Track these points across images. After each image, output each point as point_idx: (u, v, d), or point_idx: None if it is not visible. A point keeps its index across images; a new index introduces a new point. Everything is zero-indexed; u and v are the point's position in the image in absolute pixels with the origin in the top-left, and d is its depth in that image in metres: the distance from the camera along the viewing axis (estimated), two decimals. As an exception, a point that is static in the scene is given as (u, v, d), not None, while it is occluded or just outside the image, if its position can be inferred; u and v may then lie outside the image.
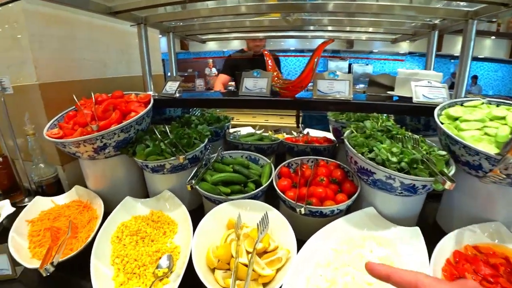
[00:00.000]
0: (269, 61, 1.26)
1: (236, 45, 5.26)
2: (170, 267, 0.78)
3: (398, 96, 1.13)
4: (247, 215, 0.87)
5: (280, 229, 0.83)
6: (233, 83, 2.62)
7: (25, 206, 1.17)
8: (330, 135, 1.41)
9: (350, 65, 5.78)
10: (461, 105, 0.93)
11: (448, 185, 0.71)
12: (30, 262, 0.83)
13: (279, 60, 2.54)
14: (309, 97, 1.09)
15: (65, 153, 1.09)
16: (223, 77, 2.47)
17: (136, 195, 1.16)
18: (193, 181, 0.96)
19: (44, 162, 1.17)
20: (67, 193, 1.15)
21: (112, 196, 1.09)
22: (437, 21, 1.13)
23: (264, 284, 0.72)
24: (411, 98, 1.04)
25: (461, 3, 0.92)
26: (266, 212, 0.83)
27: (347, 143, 0.91)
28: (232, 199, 0.91)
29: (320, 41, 1.08)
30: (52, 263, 0.75)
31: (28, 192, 1.32)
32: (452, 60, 5.61)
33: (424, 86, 1.00)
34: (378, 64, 5.64)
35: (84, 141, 0.95)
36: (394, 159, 0.80)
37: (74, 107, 1.19)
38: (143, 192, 1.20)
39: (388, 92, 1.17)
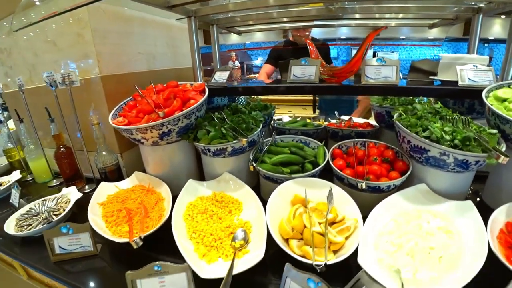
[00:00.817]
0: (313, 50, 1.33)
1: (258, 36, 5.34)
2: (246, 239, 0.88)
3: (441, 81, 1.20)
4: (310, 192, 0.97)
5: (343, 203, 0.93)
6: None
7: (87, 192, 1.31)
8: (371, 121, 1.50)
9: (374, 52, 5.77)
10: (509, 87, 1.00)
11: (502, 159, 0.79)
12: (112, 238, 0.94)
13: (329, 48, 2.52)
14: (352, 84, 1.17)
15: (127, 140, 1.21)
16: (268, 67, 2.52)
17: (193, 178, 1.28)
18: (254, 163, 1.07)
19: (107, 150, 1.28)
20: (128, 178, 1.27)
21: (171, 180, 1.20)
22: (482, 4, 1.19)
23: (335, 252, 0.82)
24: (455, 82, 1.12)
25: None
26: (331, 187, 0.93)
27: (399, 124, 0.99)
28: (295, 177, 1.01)
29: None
30: (140, 237, 0.86)
31: (87, 180, 1.45)
32: (486, 44, 5.44)
33: (469, 69, 1.07)
34: (404, 51, 5.60)
35: (152, 127, 1.05)
36: (448, 137, 0.88)
37: (131, 97, 1.30)
38: (199, 176, 1.31)
39: (430, 77, 1.24)
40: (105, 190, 1.19)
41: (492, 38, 4.96)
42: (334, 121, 1.61)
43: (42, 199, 1.23)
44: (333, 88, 1.20)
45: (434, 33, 4.94)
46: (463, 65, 1.08)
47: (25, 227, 1.05)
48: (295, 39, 2.32)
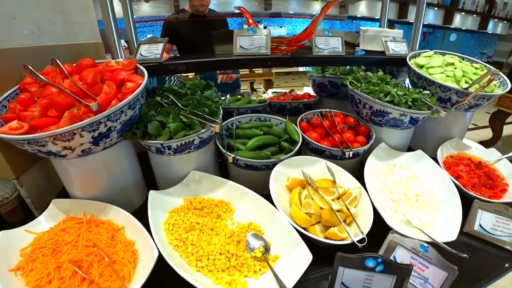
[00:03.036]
0: (249, 19, 1.25)
1: (146, 10, 4.31)
2: (265, 244, 0.76)
3: (365, 51, 1.39)
4: (299, 171, 0.94)
5: (338, 175, 0.95)
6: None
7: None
8: (306, 90, 1.58)
9: (265, 27, 6.01)
10: (419, 55, 1.27)
11: (442, 113, 1.02)
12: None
13: (227, 21, 2.26)
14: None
15: (24, 157, 0.80)
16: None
17: (142, 190, 0.99)
18: (232, 152, 0.92)
19: None
20: (44, 214, 0.84)
21: (115, 199, 0.88)
22: None
23: (349, 223, 0.85)
24: (377, 51, 1.33)
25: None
26: (325, 163, 0.93)
27: (358, 91, 1.09)
28: (282, 159, 0.94)
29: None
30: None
31: None
32: (354, 21, 6.59)
33: (391, 41, 1.29)
34: (290, 26, 6.07)
35: (83, 128, 0.71)
36: (403, 100, 1.05)
37: (15, 88, 0.84)
38: (148, 185, 1.03)
39: (356, 48, 1.42)
40: (12, 243, 0.74)
41: (359, 16, 6.22)
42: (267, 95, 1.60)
43: None
44: (286, 59, 1.17)
45: (316, 9, 5.74)
46: (386, 37, 1.29)
47: None
48: (196, 9, 2.04)
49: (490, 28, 8.60)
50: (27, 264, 0.71)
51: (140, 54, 1.10)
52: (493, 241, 0.86)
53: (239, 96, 1.44)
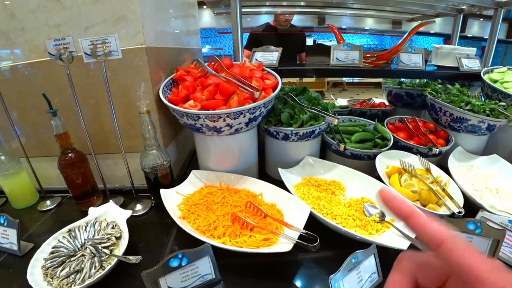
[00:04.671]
0: (338, 34, 1.53)
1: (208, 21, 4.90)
2: (380, 211, 0.99)
3: (436, 66, 1.64)
4: (393, 162, 1.18)
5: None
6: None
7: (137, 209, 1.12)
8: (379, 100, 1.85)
9: (314, 41, 6.48)
10: (492, 71, 1.50)
11: (517, 122, 1.24)
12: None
13: (305, 36, 2.63)
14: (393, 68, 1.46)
15: (170, 131, 1.10)
16: (247, 53, 2.49)
17: (257, 170, 1.26)
18: (343, 144, 1.19)
19: (157, 147, 1.07)
20: (186, 181, 1.12)
21: (241, 173, 1.15)
22: (464, 6, 1.69)
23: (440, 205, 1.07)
24: (450, 67, 1.57)
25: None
26: (418, 155, 1.17)
27: (439, 101, 1.34)
28: (382, 151, 1.19)
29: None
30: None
31: (113, 193, 1.19)
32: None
33: (465, 58, 1.53)
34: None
35: (248, 110, 1.00)
36: (482, 109, 1.28)
37: (170, 78, 1.17)
38: (262, 165, 1.30)
39: (427, 63, 1.67)
40: (170, 199, 1.02)
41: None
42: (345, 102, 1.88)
43: (67, 229, 0.93)
44: (375, 71, 1.44)
45: (369, 24, 6.15)
46: (460, 54, 1.54)
47: (69, 276, 0.77)
48: (279, 23, 2.42)
49: None
50: (189, 215, 0.96)
51: (256, 59, 1.40)
52: None
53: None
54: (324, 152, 1.34)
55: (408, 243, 0.84)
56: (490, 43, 1.62)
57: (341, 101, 2.05)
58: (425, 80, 1.64)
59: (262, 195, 1.06)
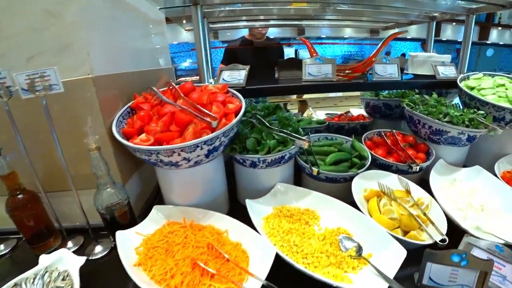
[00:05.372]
0: (311, 47, 1.45)
1: (185, 36, 4.82)
2: (357, 244, 0.90)
3: (413, 74, 1.57)
4: (371, 183, 1.09)
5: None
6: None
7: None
8: (357, 112, 1.76)
9: (296, 51, 6.46)
10: (468, 78, 1.43)
11: (499, 131, 1.17)
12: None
13: (282, 49, 2.59)
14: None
15: (128, 167, 1.01)
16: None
17: (227, 199, 1.18)
18: (316, 167, 1.09)
19: (112, 184, 0.97)
20: (147, 219, 1.01)
21: (209, 206, 1.05)
22: (436, 14, 1.63)
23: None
24: (426, 75, 1.50)
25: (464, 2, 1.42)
26: (397, 175, 1.08)
27: (417, 113, 1.26)
28: (359, 173, 1.10)
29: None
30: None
31: (70, 233, 1.07)
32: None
33: (440, 65, 1.46)
34: (320, 49, 6.51)
35: (205, 142, 0.90)
36: (461, 120, 1.20)
37: (127, 107, 1.06)
38: (232, 194, 1.20)
39: (405, 71, 1.60)
40: (127, 242, 0.91)
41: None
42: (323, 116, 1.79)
43: (13, 284, 0.81)
44: (350, 85, 1.35)
45: (348, 33, 6.19)
46: (435, 62, 1.47)
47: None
48: (255, 37, 2.36)
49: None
50: (146, 261, 0.86)
51: (223, 79, 1.31)
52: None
53: (299, 117, 1.63)
54: (301, 175, 1.24)
55: (386, 285, 0.75)
56: (464, 49, 1.56)
57: (321, 114, 1.97)
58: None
59: (228, 232, 0.96)
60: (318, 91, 1.36)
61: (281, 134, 1.06)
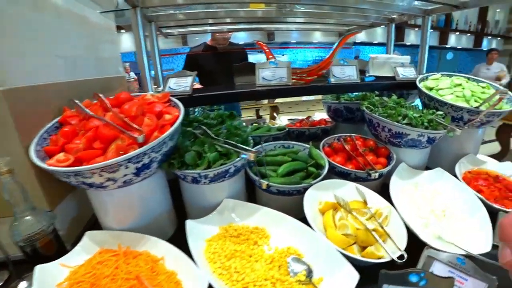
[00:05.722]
0: (268, 53, 1.36)
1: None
2: (307, 267, 0.79)
3: (374, 76, 1.50)
4: (333, 193, 0.99)
5: (366, 195, 1.00)
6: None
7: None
8: (320, 116, 1.67)
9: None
10: (427, 79, 1.37)
11: (458, 132, 1.10)
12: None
13: (246, 53, 2.47)
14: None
15: (58, 189, 0.90)
16: None
17: (173, 219, 1.05)
18: (264, 179, 0.99)
19: (32, 211, 0.83)
20: (78, 247, 0.87)
21: (150, 229, 0.92)
22: (394, 16, 1.58)
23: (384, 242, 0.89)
24: (387, 77, 1.43)
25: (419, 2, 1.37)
26: (355, 185, 0.99)
27: (377, 116, 1.18)
28: (313, 184, 1.00)
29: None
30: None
31: None
32: (353, 46, 6.99)
33: (400, 67, 1.40)
34: (292, 54, 6.48)
35: (129, 160, 0.78)
36: (420, 121, 1.12)
37: (55, 122, 0.92)
38: (177, 214, 1.08)
39: (367, 74, 1.53)
40: (48, 278, 0.76)
41: (359, 41, 6.67)
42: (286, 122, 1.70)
43: None
44: (306, 89, 1.26)
45: (317, 38, 6.15)
46: (395, 63, 1.40)
47: None
48: (217, 42, 2.24)
49: (484, 45, 8.99)
50: None
51: (169, 87, 1.19)
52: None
53: (256, 124, 1.52)
54: (255, 188, 1.13)
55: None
56: (422, 50, 1.51)
57: (285, 120, 1.88)
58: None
59: (164, 260, 0.84)
60: (273, 96, 1.27)
61: (226, 145, 0.95)
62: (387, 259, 0.79)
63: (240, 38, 4.88)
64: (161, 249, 0.85)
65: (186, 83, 1.18)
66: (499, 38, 9.32)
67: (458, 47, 8.82)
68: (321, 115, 1.87)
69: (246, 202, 1.00)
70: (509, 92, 1.22)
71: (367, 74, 1.54)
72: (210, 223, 0.96)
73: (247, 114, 4.13)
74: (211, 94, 1.18)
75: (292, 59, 6.37)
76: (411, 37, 7.15)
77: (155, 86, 1.39)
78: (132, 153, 0.77)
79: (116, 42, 1.65)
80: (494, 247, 0.90)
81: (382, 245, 0.81)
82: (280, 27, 2.12)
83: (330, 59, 1.25)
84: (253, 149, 0.94)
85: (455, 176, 1.15)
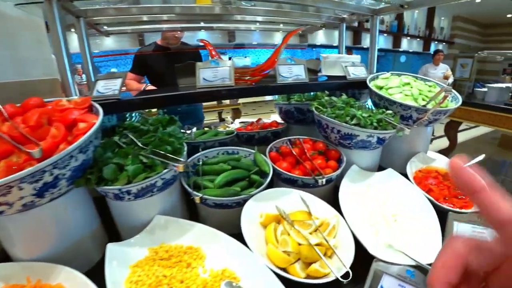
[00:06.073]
0: (212, 51, 1.24)
1: (108, 44, 4.15)
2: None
3: (327, 76, 1.43)
4: (275, 205, 0.89)
5: (313, 204, 0.91)
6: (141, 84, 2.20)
7: None
8: (273, 118, 1.57)
9: (230, 58, 6.16)
10: (377, 78, 1.32)
11: (407, 131, 1.04)
12: None
13: (199, 53, 2.29)
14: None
15: None
16: (132, 77, 2.09)
17: (101, 242, 0.88)
18: (199, 191, 0.86)
19: None
20: None
21: (66, 257, 0.76)
22: (345, 15, 1.52)
23: (330, 255, 0.80)
24: (339, 77, 1.37)
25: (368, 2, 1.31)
26: (300, 194, 0.89)
27: (325, 117, 1.09)
28: (253, 194, 0.88)
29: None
30: None
31: None
32: (314, 49, 7.10)
33: (351, 66, 1.33)
34: (254, 56, 6.32)
35: (21, 180, 0.62)
36: (369, 121, 1.06)
37: None
38: (106, 235, 0.92)
39: (319, 74, 1.46)
40: None
41: (319, 44, 6.62)
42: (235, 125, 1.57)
43: None
44: (251, 90, 1.15)
45: (278, 39, 6.04)
46: (345, 63, 1.33)
47: None
48: (168, 42, 2.05)
49: (432, 49, 9.61)
50: None
51: (97, 90, 1.02)
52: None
53: (206, 129, 1.39)
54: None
55: None
56: (372, 49, 1.47)
57: (239, 123, 1.77)
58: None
59: (77, 295, 0.68)
60: (214, 98, 1.13)
61: (151, 156, 0.81)
62: (332, 277, 0.69)
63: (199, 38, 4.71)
64: (74, 280, 0.69)
65: (115, 85, 1.02)
66: (444, 43, 10.03)
67: (410, 51, 9.38)
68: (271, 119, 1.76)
69: (179, 219, 0.86)
70: (453, 90, 1.20)
71: (319, 74, 1.47)
72: (137, 245, 0.81)
73: (210, 117, 3.98)
74: (143, 97, 1.03)
75: (255, 61, 6.30)
76: (368, 40, 7.45)
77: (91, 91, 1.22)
78: (23, 172, 0.60)
79: (44, 41, 1.43)
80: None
81: (326, 263, 0.71)
82: (235, 26, 2.01)
83: (275, 58, 1.15)
84: (181, 159, 0.81)
85: (407, 175, 1.11)
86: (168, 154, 0.84)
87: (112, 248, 0.75)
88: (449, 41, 10.08)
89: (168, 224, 0.85)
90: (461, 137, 3.94)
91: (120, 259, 0.75)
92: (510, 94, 2.99)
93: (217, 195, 0.87)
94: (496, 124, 3.10)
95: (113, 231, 0.93)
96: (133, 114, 1.23)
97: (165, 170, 0.80)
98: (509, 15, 9.43)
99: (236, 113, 3.94)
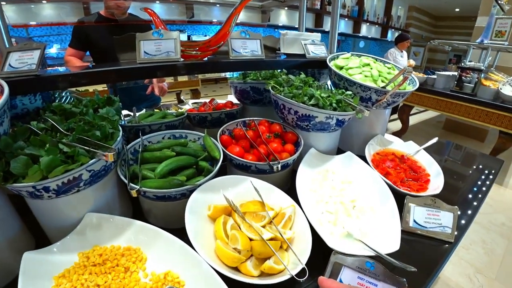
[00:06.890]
0: (159, 23, 1.05)
1: (47, 15, 3.39)
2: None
3: (286, 54, 1.31)
4: (222, 195, 0.77)
5: (267, 193, 0.81)
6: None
7: None
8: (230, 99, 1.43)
9: (189, 36, 5.68)
10: (338, 57, 1.23)
11: (366, 113, 0.97)
12: None
13: (151, 26, 1.93)
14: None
15: None
16: (73, 52, 1.75)
17: (22, 248, 0.70)
18: (136, 184, 0.71)
19: None
20: None
21: None
22: None
23: (286, 249, 0.71)
24: (298, 55, 1.26)
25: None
26: (251, 181, 0.78)
27: (281, 96, 0.99)
28: (199, 184, 0.76)
29: None
30: None
31: None
32: (276, 30, 6.80)
33: (310, 44, 1.23)
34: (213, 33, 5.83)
35: None
36: (328, 102, 0.97)
37: None
38: (31, 239, 0.75)
39: (277, 52, 1.33)
40: None
41: (281, 24, 6.42)
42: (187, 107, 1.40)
43: None
44: (200, 65, 0.99)
45: (240, 17, 5.58)
46: (305, 40, 1.22)
47: None
48: (111, 12, 1.73)
49: (389, 36, 9.93)
50: None
51: (9, 65, 0.80)
52: (428, 234, 0.83)
53: (155, 110, 1.21)
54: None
55: None
56: (332, 31, 1.36)
57: (192, 103, 1.60)
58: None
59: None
60: (155, 75, 0.97)
61: (74, 144, 0.64)
62: (287, 276, 0.61)
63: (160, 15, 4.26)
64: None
65: (31, 59, 0.80)
66: (400, 31, 10.41)
67: (369, 37, 9.59)
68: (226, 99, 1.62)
69: (114, 216, 0.71)
70: (413, 72, 1.16)
71: (278, 52, 1.35)
72: (64, 251, 0.65)
73: (168, 99, 3.69)
74: (67, 74, 0.82)
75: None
76: (329, 24, 7.47)
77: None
78: None
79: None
80: (402, 232, 0.81)
81: (280, 259, 0.62)
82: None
83: (226, 30, 1.00)
84: (112, 147, 0.66)
85: (365, 158, 1.06)
86: (96, 141, 0.68)
87: (29, 257, 0.59)
88: (405, 29, 10.47)
89: (101, 223, 0.70)
90: (411, 120, 4.13)
91: (41, 269, 0.60)
92: (455, 82, 3.13)
93: (157, 186, 0.73)
94: (443, 109, 3.25)
95: (42, 235, 0.75)
96: (64, 94, 1.02)
97: (92, 161, 0.64)
98: (457, 9, 9.98)
99: (196, 94, 3.68)
